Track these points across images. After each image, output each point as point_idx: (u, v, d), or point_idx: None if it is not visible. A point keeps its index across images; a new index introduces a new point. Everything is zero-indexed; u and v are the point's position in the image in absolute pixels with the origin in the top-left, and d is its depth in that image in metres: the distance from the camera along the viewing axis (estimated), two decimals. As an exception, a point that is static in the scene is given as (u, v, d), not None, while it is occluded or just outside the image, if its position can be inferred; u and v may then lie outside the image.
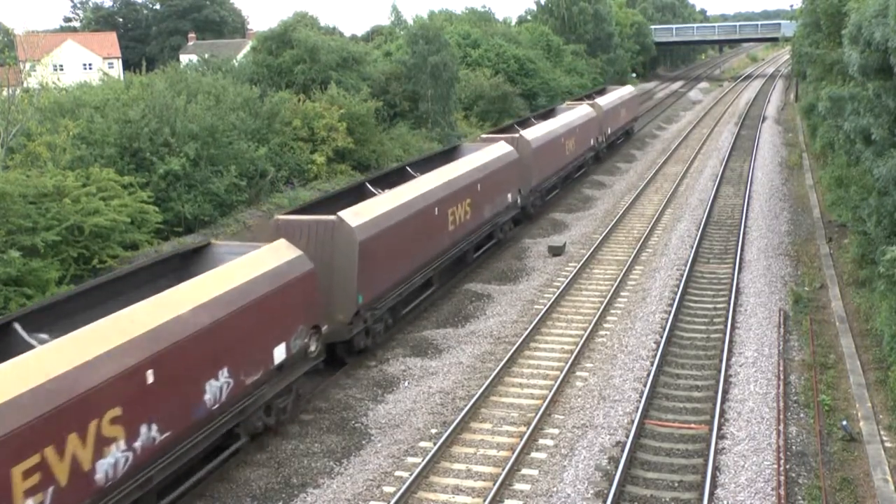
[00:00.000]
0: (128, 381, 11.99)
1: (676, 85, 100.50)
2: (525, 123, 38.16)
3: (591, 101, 46.27)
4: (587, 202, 37.59)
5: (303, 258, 16.66)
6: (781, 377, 18.22)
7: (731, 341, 20.34)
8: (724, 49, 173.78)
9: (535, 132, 33.64)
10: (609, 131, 47.45)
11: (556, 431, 16.31)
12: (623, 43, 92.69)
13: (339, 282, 18.43)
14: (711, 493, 13.94)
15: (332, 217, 18.75)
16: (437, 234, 23.38)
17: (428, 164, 27.35)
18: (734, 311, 22.43)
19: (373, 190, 22.50)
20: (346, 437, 16.45)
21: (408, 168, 25.90)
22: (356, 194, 22.23)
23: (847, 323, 21.31)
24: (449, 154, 29.44)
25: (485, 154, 28.17)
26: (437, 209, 23.18)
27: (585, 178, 42.34)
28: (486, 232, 27.41)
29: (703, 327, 21.76)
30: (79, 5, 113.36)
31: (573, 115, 40.42)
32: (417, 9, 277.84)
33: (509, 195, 29.09)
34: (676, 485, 14.44)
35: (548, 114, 42.73)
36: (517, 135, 32.09)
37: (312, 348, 17.04)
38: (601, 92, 54.79)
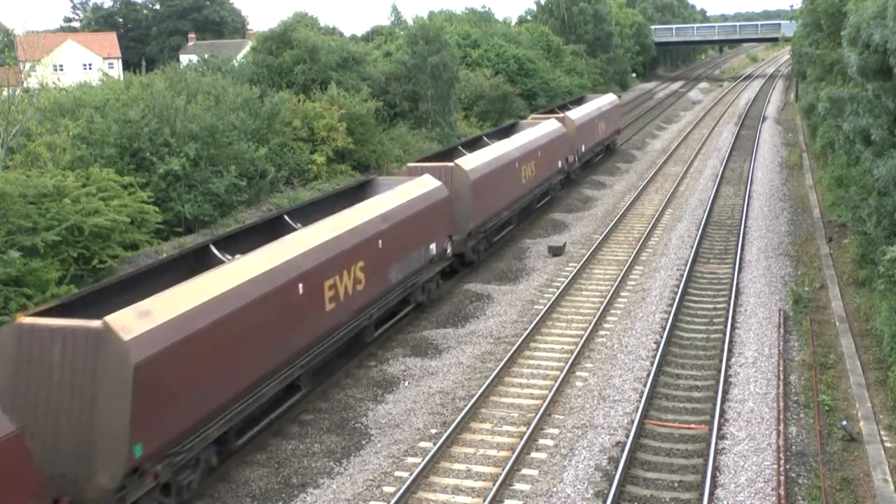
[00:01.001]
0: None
1: (676, 85, 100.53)
2: (473, 145, 32.42)
3: (560, 115, 40.58)
4: (587, 202, 37.60)
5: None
6: (781, 377, 18.23)
7: (731, 341, 20.34)
8: (724, 49, 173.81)
9: (477, 159, 27.28)
10: (583, 149, 41.44)
11: (556, 431, 16.32)
12: (623, 43, 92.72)
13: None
14: (711, 494, 13.95)
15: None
16: (295, 320, 16.54)
17: (321, 209, 21.04)
18: (734, 311, 22.43)
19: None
20: (346, 438, 16.45)
21: (286, 217, 19.76)
22: None
23: (847, 323, 21.32)
24: (357, 193, 23.13)
25: (399, 193, 21.93)
26: (301, 287, 16.60)
27: (585, 178, 42.35)
28: (395, 299, 21.20)
29: (703, 327, 21.76)
30: (79, 5, 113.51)
31: (535, 132, 34.54)
32: (417, 9, 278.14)
33: (433, 246, 22.90)
34: (676, 485, 14.44)
35: (507, 131, 36.72)
36: (451, 164, 25.91)
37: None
38: (579, 101, 49.99)
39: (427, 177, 23.98)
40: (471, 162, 26.74)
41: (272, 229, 18.85)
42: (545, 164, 34.17)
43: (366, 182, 24.23)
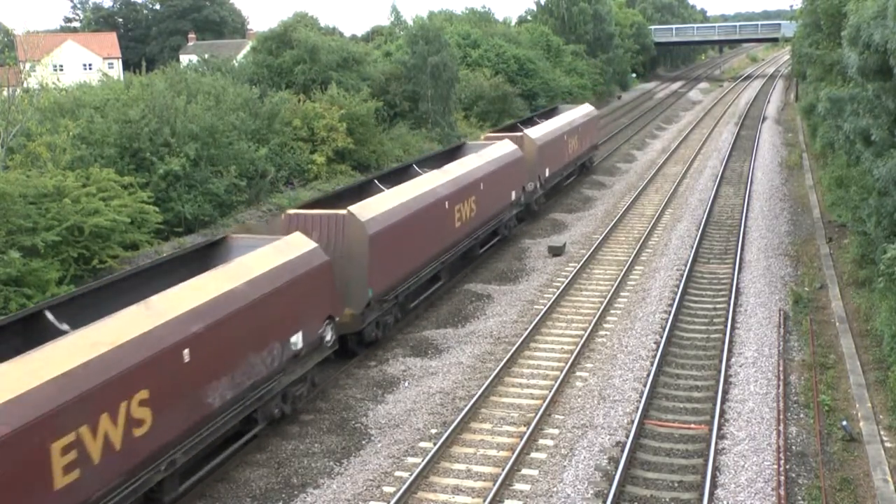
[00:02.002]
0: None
1: (676, 85, 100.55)
2: (396, 179, 24.94)
3: (517, 134, 33.28)
4: (587, 202, 37.60)
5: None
6: (781, 377, 18.23)
7: (731, 341, 20.34)
8: (724, 49, 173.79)
9: (384, 203, 21.02)
10: (548, 173, 34.53)
11: (556, 431, 16.32)
12: (623, 43, 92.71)
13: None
14: (711, 494, 13.94)
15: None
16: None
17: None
18: (734, 311, 22.43)
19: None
20: (346, 438, 16.45)
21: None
22: None
23: (847, 323, 21.31)
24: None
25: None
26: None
27: (585, 178, 42.34)
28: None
29: (703, 327, 21.76)
30: (79, 5, 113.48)
31: (479, 159, 27.51)
32: (417, 9, 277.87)
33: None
34: (676, 485, 14.44)
35: (450, 155, 29.72)
36: (343, 212, 19.66)
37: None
38: (549, 114, 42.77)
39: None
40: (370, 209, 20.35)
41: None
42: (491, 199, 27.53)
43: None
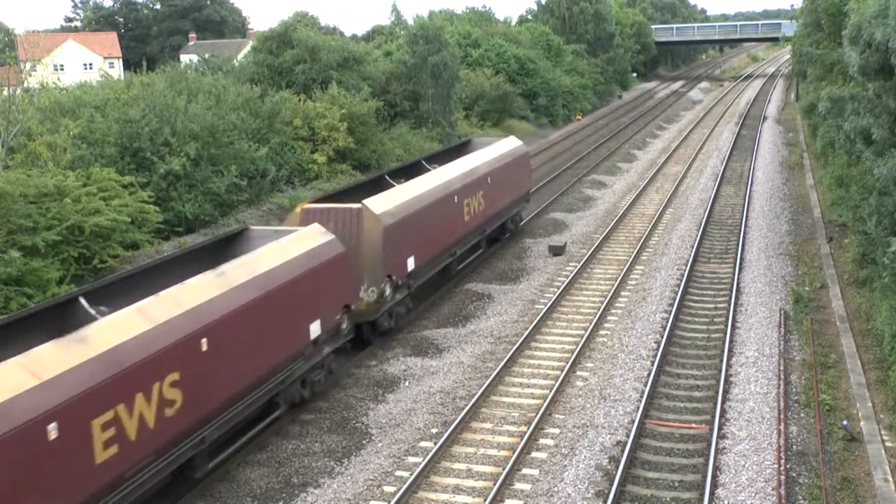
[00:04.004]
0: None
1: (677, 84, 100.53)
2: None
3: (345, 207, 20.42)
4: (588, 202, 37.59)
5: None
6: (782, 377, 18.23)
7: (731, 341, 20.34)
8: (724, 49, 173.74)
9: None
10: (412, 265, 21.86)
11: (557, 431, 16.31)
12: (623, 43, 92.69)
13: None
14: (712, 493, 13.94)
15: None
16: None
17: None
18: (735, 310, 22.42)
19: None
20: (347, 437, 16.45)
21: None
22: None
23: (847, 322, 21.31)
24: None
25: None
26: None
27: (586, 178, 42.34)
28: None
29: (703, 327, 21.75)
30: (79, 5, 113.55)
31: (239, 273, 15.59)
32: (418, 8, 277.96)
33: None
34: (677, 484, 14.44)
35: (220, 249, 18.06)
36: None
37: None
38: (454, 153, 29.82)
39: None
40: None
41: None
42: (253, 353, 15.38)
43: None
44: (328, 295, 17.51)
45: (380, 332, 20.88)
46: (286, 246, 16.77)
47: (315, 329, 16.96)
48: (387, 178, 24.91)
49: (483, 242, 28.40)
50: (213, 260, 16.34)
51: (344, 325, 18.53)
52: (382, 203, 20.97)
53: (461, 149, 31.71)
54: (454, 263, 25.64)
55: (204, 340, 13.63)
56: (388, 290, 20.64)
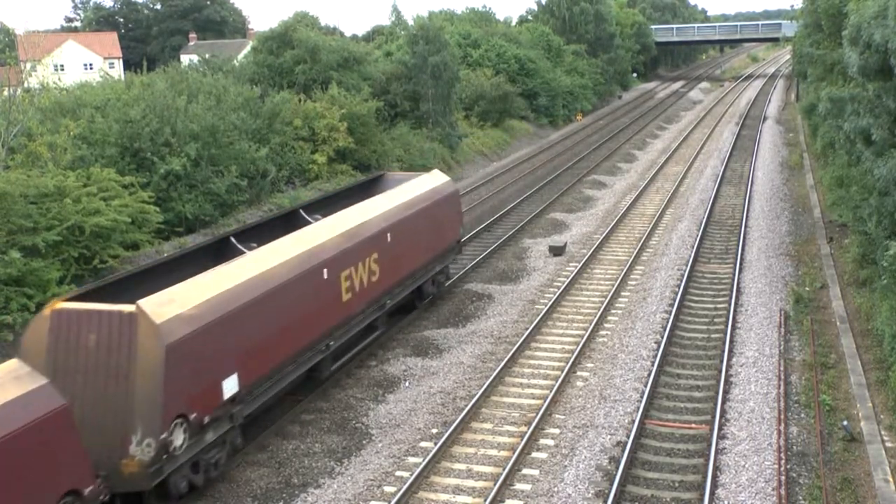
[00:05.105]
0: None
1: (677, 85, 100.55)
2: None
3: (127, 307, 13.36)
4: (588, 202, 37.59)
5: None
6: (782, 377, 18.23)
7: (731, 341, 20.34)
8: (724, 49, 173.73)
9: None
10: (231, 390, 14.79)
11: (557, 431, 16.32)
12: (624, 43, 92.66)
13: None
14: (712, 493, 13.95)
15: None
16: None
17: None
18: (735, 311, 22.43)
19: None
20: (347, 437, 16.46)
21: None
22: None
23: (848, 323, 21.31)
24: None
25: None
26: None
27: (586, 178, 42.35)
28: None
29: (703, 327, 21.76)
30: (80, 5, 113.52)
31: None
32: (418, 9, 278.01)
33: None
34: (677, 485, 14.45)
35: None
36: None
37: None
38: (364, 191, 23.77)
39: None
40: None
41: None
42: None
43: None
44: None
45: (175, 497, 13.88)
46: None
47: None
48: (302, 213, 20.38)
49: (381, 320, 20.68)
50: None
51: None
52: (174, 301, 13.88)
53: (368, 188, 24.32)
54: (326, 361, 18.07)
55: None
56: (178, 439, 13.49)
